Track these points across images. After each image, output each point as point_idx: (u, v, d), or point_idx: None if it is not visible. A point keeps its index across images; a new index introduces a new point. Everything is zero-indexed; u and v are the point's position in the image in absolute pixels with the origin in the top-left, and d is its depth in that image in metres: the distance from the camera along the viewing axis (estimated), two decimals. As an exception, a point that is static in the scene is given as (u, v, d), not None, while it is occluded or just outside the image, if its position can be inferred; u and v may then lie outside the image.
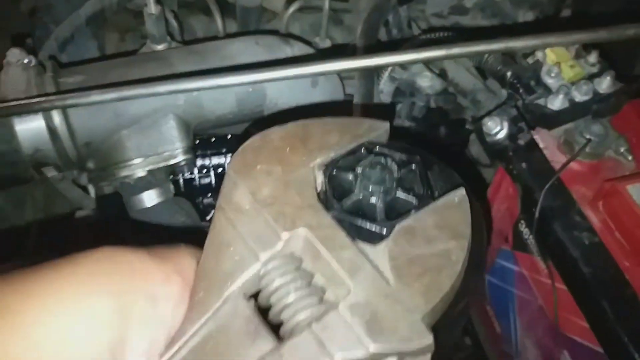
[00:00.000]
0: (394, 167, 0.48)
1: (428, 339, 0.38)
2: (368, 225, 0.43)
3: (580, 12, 1.22)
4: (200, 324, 0.41)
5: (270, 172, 0.46)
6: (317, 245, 0.42)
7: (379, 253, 0.42)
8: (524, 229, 0.86)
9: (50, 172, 0.79)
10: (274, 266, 0.42)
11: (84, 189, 1.06)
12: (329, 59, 0.65)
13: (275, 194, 0.45)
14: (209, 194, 1.02)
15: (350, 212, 0.45)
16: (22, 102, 0.68)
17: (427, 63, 0.95)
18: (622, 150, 0.79)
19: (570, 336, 0.81)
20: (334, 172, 0.47)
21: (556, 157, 0.79)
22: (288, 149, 0.48)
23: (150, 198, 0.82)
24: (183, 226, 0.86)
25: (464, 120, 1.10)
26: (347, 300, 0.39)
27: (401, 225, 0.43)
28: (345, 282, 0.40)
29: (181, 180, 0.99)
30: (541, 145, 0.81)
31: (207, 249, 0.44)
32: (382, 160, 0.47)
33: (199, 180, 1.00)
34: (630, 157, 0.79)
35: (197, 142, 0.99)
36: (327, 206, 0.45)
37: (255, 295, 0.44)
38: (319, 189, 0.48)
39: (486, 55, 0.86)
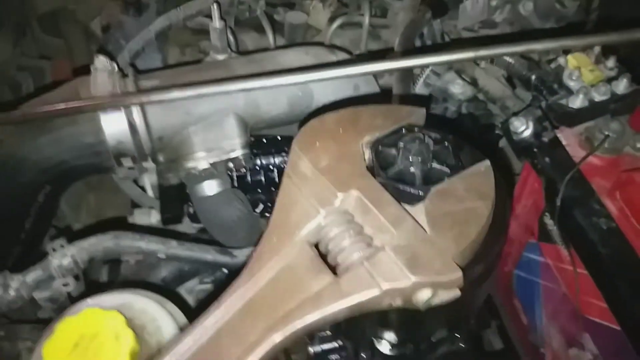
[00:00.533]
0: (430, 143, 0.57)
1: (457, 274, 0.47)
2: (408, 189, 0.53)
3: (605, 22, 1.30)
4: (274, 262, 0.51)
5: (327, 148, 0.57)
6: (366, 203, 0.52)
7: (418, 209, 0.52)
8: (548, 220, 0.93)
9: (128, 163, 0.91)
10: (331, 219, 0.52)
11: (142, 189, 1.19)
12: (367, 61, 0.76)
13: (331, 164, 0.56)
14: (259, 190, 1.12)
15: (394, 179, 0.55)
16: (109, 99, 0.81)
17: (456, 65, 1.04)
18: (638, 146, 0.86)
19: (591, 318, 0.88)
20: (380, 148, 0.57)
21: (577, 153, 0.87)
22: (341, 129, 0.59)
23: (211, 187, 0.93)
24: (239, 214, 0.97)
25: (494, 125, 1.18)
26: (392, 244, 0.49)
27: (436, 188, 0.53)
28: (390, 230, 0.50)
29: (235, 177, 1.10)
30: (564, 142, 0.89)
31: (278, 207, 0.55)
32: (420, 137, 0.58)
33: (251, 178, 1.11)
34: (646, 153, 0.86)
35: (251, 142, 1.10)
36: (375, 175, 0.56)
37: (316, 245, 0.54)
38: (367, 162, 0.58)
39: (513, 62, 0.95)
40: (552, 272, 0.97)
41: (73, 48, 1.58)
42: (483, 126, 1.19)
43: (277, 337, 0.46)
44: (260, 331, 0.46)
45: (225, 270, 1.01)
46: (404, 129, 0.61)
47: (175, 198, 1.05)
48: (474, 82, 1.18)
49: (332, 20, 1.24)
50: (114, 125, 0.86)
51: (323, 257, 0.53)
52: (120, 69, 0.93)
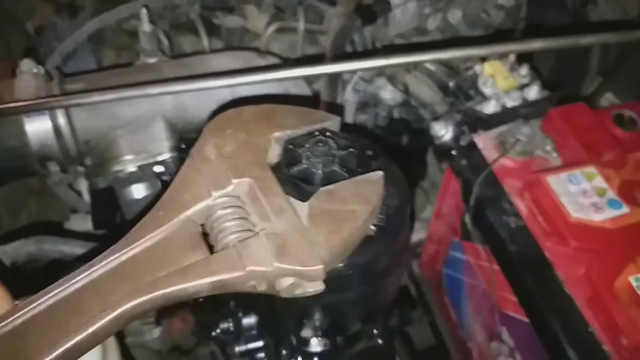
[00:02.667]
0: (336, 147, 0.60)
1: (319, 267, 0.50)
2: (306, 187, 0.56)
3: (533, 30, 1.36)
4: (154, 234, 0.53)
5: (235, 136, 0.59)
6: (257, 192, 0.54)
7: (303, 205, 0.54)
8: (467, 220, 0.98)
9: (54, 167, 0.91)
10: (220, 202, 0.54)
11: (78, 193, 1.18)
12: (295, 66, 0.79)
13: (235, 151, 0.58)
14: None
15: (296, 177, 0.58)
16: (31, 102, 0.81)
17: (388, 71, 1.08)
18: (548, 148, 0.91)
19: (507, 312, 0.92)
20: (289, 146, 0.60)
21: (492, 155, 0.92)
22: (253, 122, 0.61)
23: (139, 191, 0.94)
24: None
25: (424, 130, 1.23)
26: (267, 231, 0.51)
27: (325, 188, 0.56)
28: (269, 219, 0.52)
29: (167, 181, 1.11)
30: (480, 145, 0.93)
31: (174, 184, 0.57)
32: (327, 141, 0.60)
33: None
34: (555, 155, 0.91)
35: (183, 147, 1.11)
36: (280, 171, 0.58)
37: (203, 225, 0.56)
38: (277, 158, 0.60)
39: (434, 69, 0.99)
40: (473, 269, 1.02)
41: (13, 49, 1.55)
42: (414, 131, 1.24)
43: (137, 301, 0.48)
44: (123, 293, 0.48)
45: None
46: (316, 132, 0.63)
47: (107, 202, 1.05)
48: (405, 88, 1.22)
49: (269, 25, 1.27)
50: (37, 129, 0.86)
51: (206, 236, 0.55)
52: (47, 72, 0.93)
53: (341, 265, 0.56)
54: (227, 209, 0.53)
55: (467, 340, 1.14)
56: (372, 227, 0.59)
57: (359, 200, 0.54)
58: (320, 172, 0.58)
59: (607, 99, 1.13)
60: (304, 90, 1.03)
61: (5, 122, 0.85)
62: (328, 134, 0.62)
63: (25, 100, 0.82)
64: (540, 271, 0.81)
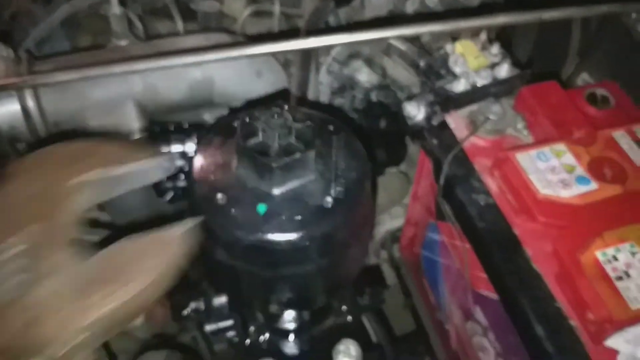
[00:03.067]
0: (292, 120, 0.60)
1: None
2: (262, 159, 0.56)
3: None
4: None
5: (36, 180, 0.55)
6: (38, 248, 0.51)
7: (83, 265, 0.51)
8: (440, 199, 0.98)
9: (23, 149, 0.90)
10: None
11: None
12: (265, 42, 0.78)
13: (29, 197, 0.53)
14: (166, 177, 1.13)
15: (254, 149, 0.57)
16: (-1, 82, 0.80)
17: (364, 53, 1.08)
18: (519, 127, 0.91)
19: (479, 291, 0.93)
20: (246, 120, 0.60)
21: (463, 134, 0.92)
22: (61, 164, 0.56)
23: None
24: (140, 200, 0.97)
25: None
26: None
27: (115, 246, 0.52)
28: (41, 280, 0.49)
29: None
30: (451, 125, 0.93)
31: None
32: (282, 114, 0.60)
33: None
34: (526, 133, 0.91)
35: (158, 130, 1.10)
36: (238, 144, 0.58)
37: None
38: (82, 203, 0.56)
39: (405, 49, 0.99)
40: (448, 249, 1.02)
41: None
42: (392, 114, 1.24)
43: None
44: None
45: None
46: (273, 107, 0.63)
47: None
48: (382, 71, 1.22)
49: (245, 8, 1.26)
50: (5, 111, 0.85)
51: None
52: (16, 55, 0.92)
53: (297, 236, 0.56)
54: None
55: (445, 322, 1.14)
56: (329, 199, 0.59)
57: (140, 268, 0.50)
58: (276, 144, 0.58)
59: (583, 79, 1.13)
60: (277, 71, 1.03)
61: (-28, 104, 0.84)
62: (285, 107, 0.62)
63: (-10, 81, 0.81)
64: (509, 248, 0.81)
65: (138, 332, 1.20)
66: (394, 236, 1.37)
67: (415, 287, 1.27)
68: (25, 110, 0.86)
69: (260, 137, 0.58)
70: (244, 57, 0.81)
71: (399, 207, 1.38)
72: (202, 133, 0.73)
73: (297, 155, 0.56)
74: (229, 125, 0.65)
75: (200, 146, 0.65)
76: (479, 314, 0.97)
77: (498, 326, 0.92)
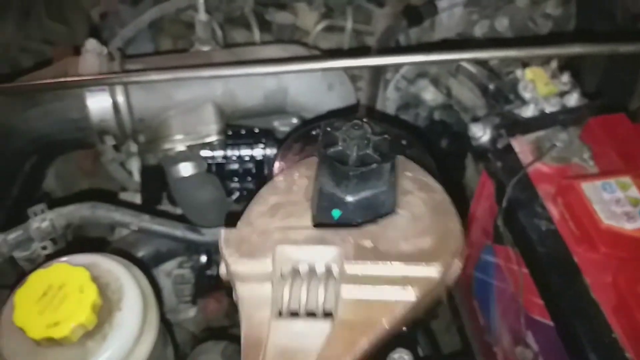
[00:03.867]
0: (370, 132, 0.64)
1: None
2: (339, 167, 0.60)
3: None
4: None
5: None
6: None
7: None
8: (500, 222, 0.99)
9: (110, 141, 0.97)
10: None
11: (129, 173, 1.25)
12: (339, 57, 0.82)
13: None
14: (235, 179, 1.18)
15: (332, 157, 0.61)
16: (95, 77, 0.87)
17: (432, 73, 1.11)
18: (585, 157, 0.92)
19: (533, 316, 0.93)
20: (328, 129, 0.64)
21: (528, 159, 0.93)
22: None
23: (186, 169, 0.99)
24: (211, 197, 1.03)
25: (464, 134, 1.25)
26: None
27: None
28: None
29: (213, 165, 1.16)
30: (516, 149, 0.94)
31: None
32: (363, 126, 0.64)
33: (228, 166, 1.17)
34: (592, 163, 0.92)
35: (230, 133, 1.16)
36: (318, 151, 0.62)
37: None
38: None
39: (475, 72, 1.01)
40: (503, 272, 1.03)
41: (76, 36, 1.65)
42: (454, 134, 1.26)
43: None
44: None
45: (204, 260, 1.07)
46: (354, 120, 0.66)
47: (156, 180, 1.11)
48: (447, 91, 1.24)
49: (318, 23, 1.31)
50: (98, 104, 0.92)
51: None
52: (109, 53, 1.00)
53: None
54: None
55: (494, 344, 1.14)
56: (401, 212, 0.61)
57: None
58: (354, 154, 0.61)
59: (652, 113, 1.13)
60: (347, 86, 1.07)
61: (68, 96, 0.92)
62: (365, 120, 0.65)
63: (86, 75, 0.88)
64: (568, 275, 0.82)
65: (189, 325, 1.25)
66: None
67: (464, 307, 1.28)
68: (115, 105, 0.92)
69: (340, 147, 0.61)
70: (319, 70, 0.85)
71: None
72: (283, 140, 0.77)
73: (374, 166, 0.60)
74: (308, 135, 0.69)
75: (282, 152, 0.69)
76: (530, 339, 0.97)
77: (550, 353, 0.92)
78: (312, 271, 0.49)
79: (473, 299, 1.23)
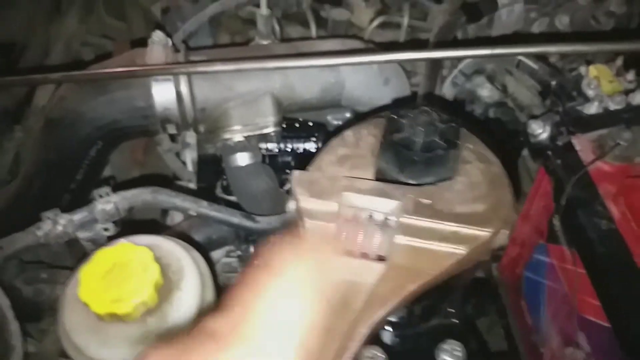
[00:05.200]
0: (438, 119, 0.64)
1: None
2: (405, 152, 0.60)
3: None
4: None
5: None
6: None
7: None
8: (556, 222, 0.97)
9: (172, 130, 1.01)
10: None
11: (183, 163, 1.29)
12: (395, 50, 0.83)
13: None
14: (288, 171, 1.20)
15: (399, 143, 0.62)
16: (159, 67, 0.91)
17: (488, 70, 1.10)
18: (650, 157, 0.89)
19: (587, 317, 0.91)
20: (394, 116, 0.64)
21: (589, 158, 0.91)
22: None
23: (243, 159, 1.02)
24: (266, 187, 1.05)
25: (519, 131, 1.23)
26: None
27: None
28: None
29: (267, 157, 1.18)
30: (577, 147, 0.93)
31: None
32: (431, 112, 0.64)
33: (282, 158, 1.19)
34: (657, 164, 0.89)
35: (284, 126, 1.18)
36: (385, 137, 0.62)
37: None
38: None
39: (537, 68, 1.00)
40: (556, 272, 1.01)
41: (134, 32, 1.71)
42: (509, 131, 1.24)
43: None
44: None
45: (251, 250, 1.09)
46: (420, 107, 0.67)
47: (211, 170, 1.15)
48: (503, 88, 1.23)
49: (374, 19, 1.32)
50: (163, 93, 0.96)
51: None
52: (174, 45, 1.03)
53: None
54: None
55: (541, 345, 1.12)
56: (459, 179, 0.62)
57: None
58: (420, 140, 0.62)
59: None
60: (403, 79, 1.08)
61: (135, 84, 0.95)
62: (431, 109, 0.66)
63: (153, 65, 0.92)
64: (628, 276, 0.80)
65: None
66: (494, 255, 1.36)
67: (512, 306, 1.26)
68: (179, 94, 0.96)
69: (406, 132, 0.62)
70: (377, 62, 0.86)
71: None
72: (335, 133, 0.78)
73: (439, 152, 0.60)
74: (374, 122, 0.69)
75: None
76: (583, 340, 0.95)
77: (603, 354, 0.90)
78: (372, 218, 0.53)
79: (521, 298, 1.21)
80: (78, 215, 0.88)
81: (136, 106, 0.96)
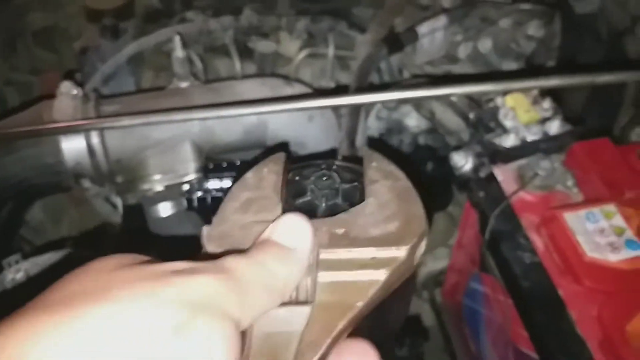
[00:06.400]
0: (339, 181, 0.62)
1: None
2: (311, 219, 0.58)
3: (565, 63, 1.35)
4: None
5: None
6: None
7: None
8: (486, 253, 0.97)
9: (86, 183, 0.96)
10: None
11: (113, 206, 1.24)
12: (318, 96, 0.81)
13: None
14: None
15: (301, 209, 0.60)
16: (68, 124, 0.86)
17: (406, 103, 1.10)
18: (569, 184, 0.90)
19: (521, 349, 0.91)
20: (295, 178, 0.62)
21: (511, 188, 0.91)
22: None
23: (165, 209, 0.98)
24: (192, 235, 1.02)
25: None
26: None
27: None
28: None
29: (195, 199, 1.15)
30: (499, 178, 0.93)
31: None
32: (332, 175, 0.62)
33: (211, 200, 1.16)
34: (576, 190, 0.90)
35: (211, 166, 1.15)
36: (285, 202, 0.60)
37: None
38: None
39: (455, 100, 1.00)
40: (491, 301, 1.01)
41: (64, 62, 1.65)
42: (440, 158, 1.24)
43: None
44: None
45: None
46: (323, 164, 0.65)
47: (138, 217, 1.10)
48: (431, 115, 1.23)
49: (301, 50, 1.30)
50: (73, 148, 0.91)
51: None
52: (85, 94, 0.99)
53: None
54: None
55: (485, 372, 1.13)
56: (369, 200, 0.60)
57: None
58: (323, 205, 0.60)
59: (638, 133, 1.11)
60: (328, 117, 1.06)
61: (43, 141, 0.91)
62: (334, 167, 0.64)
63: (62, 122, 0.88)
64: (552, 309, 0.80)
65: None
66: (437, 279, 1.36)
67: (456, 333, 1.26)
68: (90, 148, 0.91)
69: (308, 197, 0.60)
70: (298, 109, 0.85)
71: (443, 247, 1.38)
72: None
73: (342, 215, 0.58)
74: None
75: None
76: (519, 370, 0.95)
77: (539, 386, 0.90)
78: None
79: (464, 325, 1.21)
80: (-15, 287, 0.83)
81: (46, 163, 0.92)
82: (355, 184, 0.63)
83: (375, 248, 0.52)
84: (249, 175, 0.64)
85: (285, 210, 0.60)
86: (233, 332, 0.33)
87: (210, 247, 0.57)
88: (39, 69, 1.70)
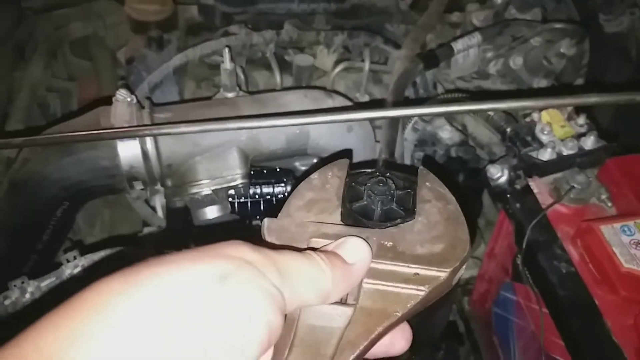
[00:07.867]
0: (394, 188, 0.66)
1: None
2: (364, 221, 0.62)
3: (593, 80, 1.39)
4: None
5: None
6: None
7: None
8: (519, 261, 1.00)
9: (139, 186, 1.01)
10: None
11: (153, 209, 1.29)
12: (359, 109, 0.86)
13: None
14: (257, 217, 1.22)
15: (357, 212, 0.64)
16: (126, 129, 0.91)
17: (440, 117, 1.14)
18: (603, 197, 0.94)
19: (554, 356, 0.94)
20: (352, 184, 0.66)
21: (546, 201, 0.95)
22: None
23: (212, 212, 1.03)
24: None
25: (481, 169, 1.27)
26: None
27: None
28: None
29: (236, 204, 1.19)
30: (535, 190, 0.97)
31: None
32: (387, 181, 0.66)
33: (251, 205, 1.20)
34: (610, 204, 0.93)
35: (252, 172, 1.19)
36: (343, 205, 0.64)
37: None
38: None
39: (492, 115, 1.04)
40: (523, 310, 1.04)
41: (100, 70, 1.71)
42: (471, 170, 1.28)
43: None
44: None
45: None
46: (377, 172, 0.69)
47: (181, 220, 1.15)
48: (463, 128, 1.27)
49: (337, 63, 1.35)
50: (128, 152, 0.96)
51: None
52: (138, 101, 1.04)
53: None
54: None
55: (513, 380, 1.15)
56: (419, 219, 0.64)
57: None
58: (378, 209, 0.63)
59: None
60: (366, 127, 1.10)
61: (100, 145, 0.96)
62: (388, 174, 0.68)
63: (120, 128, 0.92)
64: (588, 318, 0.83)
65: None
66: (464, 288, 1.39)
67: (484, 341, 1.29)
68: (144, 153, 0.96)
69: (364, 201, 0.64)
70: (340, 121, 0.89)
71: (470, 258, 1.41)
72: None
73: (398, 221, 0.62)
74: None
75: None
76: (552, 378, 0.98)
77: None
78: None
79: (493, 334, 1.24)
80: (46, 282, 0.87)
81: (102, 166, 0.97)
82: (409, 190, 0.67)
83: (419, 266, 0.57)
84: (315, 176, 0.68)
85: (343, 214, 0.64)
86: (274, 300, 0.38)
87: (269, 238, 0.62)
88: (77, 76, 1.77)
